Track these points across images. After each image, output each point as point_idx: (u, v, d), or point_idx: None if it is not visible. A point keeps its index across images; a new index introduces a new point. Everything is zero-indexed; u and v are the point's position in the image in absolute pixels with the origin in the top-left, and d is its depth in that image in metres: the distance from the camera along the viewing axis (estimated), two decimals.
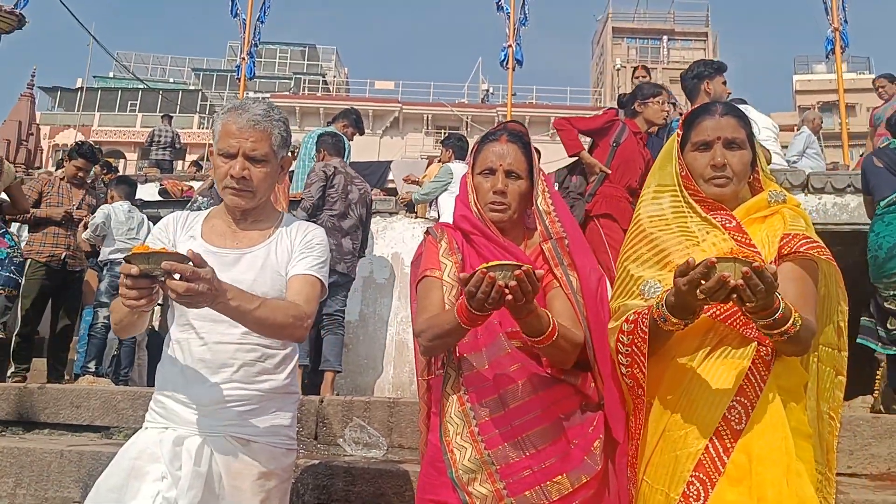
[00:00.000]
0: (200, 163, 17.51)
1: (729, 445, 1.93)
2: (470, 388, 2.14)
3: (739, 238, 2.09)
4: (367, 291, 7.30)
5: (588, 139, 5.30)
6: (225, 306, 2.03)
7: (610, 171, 4.89)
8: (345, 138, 7.21)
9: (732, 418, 1.94)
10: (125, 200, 7.24)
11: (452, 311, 2.00)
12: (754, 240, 2.10)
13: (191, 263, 1.87)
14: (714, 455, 1.93)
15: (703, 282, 1.76)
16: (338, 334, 6.09)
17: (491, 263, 1.85)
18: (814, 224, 2.28)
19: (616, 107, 5.91)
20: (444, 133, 27.62)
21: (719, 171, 2.17)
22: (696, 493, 1.91)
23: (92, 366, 6.51)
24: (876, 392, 5.89)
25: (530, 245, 2.33)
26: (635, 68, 9.35)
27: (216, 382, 2.25)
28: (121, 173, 8.20)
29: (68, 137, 37.27)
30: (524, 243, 2.34)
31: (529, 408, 2.10)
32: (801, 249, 2.04)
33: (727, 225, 2.12)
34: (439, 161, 9.72)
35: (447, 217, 6.13)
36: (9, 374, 6.55)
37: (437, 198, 7.34)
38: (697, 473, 1.93)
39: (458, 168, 7.02)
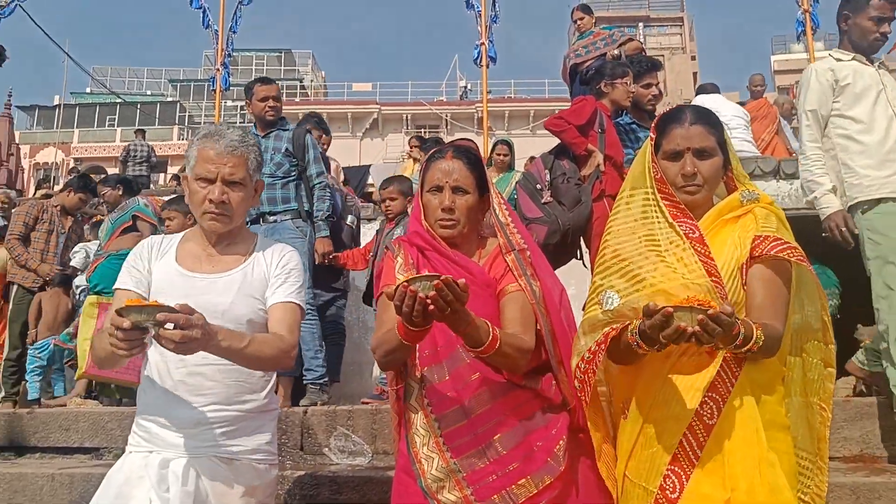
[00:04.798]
0: (181, 175, 17.41)
1: (702, 439, 1.98)
2: (433, 400, 2.19)
3: (700, 249, 2.10)
4: (350, 299, 7.27)
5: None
6: (217, 348, 2.08)
7: (604, 170, 4.76)
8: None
9: (705, 413, 1.99)
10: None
11: (395, 329, 2.04)
12: (727, 241, 2.14)
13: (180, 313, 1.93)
14: (688, 448, 1.98)
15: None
16: (340, 344, 6.02)
17: (411, 276, 1.89)
18: (786, 210, 2.30)
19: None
20: (425, 132, 27.55)
21: (689, 179, 2.19)
22: (672, 485, 1.97)
23: None
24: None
25: (484, 255, 2.37)
26: (573, 10, 7.62)
27: (198, 405, 2.28)
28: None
29: (49, 156, 37.15)
30: (477, 253, 2.38)
31: (491, 415, 2.15)
32: (772, 252, 2.07)
33: (690, 235, 2.14)
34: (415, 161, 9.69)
35: None
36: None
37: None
38: (673, 467, 1.99)
39: None
